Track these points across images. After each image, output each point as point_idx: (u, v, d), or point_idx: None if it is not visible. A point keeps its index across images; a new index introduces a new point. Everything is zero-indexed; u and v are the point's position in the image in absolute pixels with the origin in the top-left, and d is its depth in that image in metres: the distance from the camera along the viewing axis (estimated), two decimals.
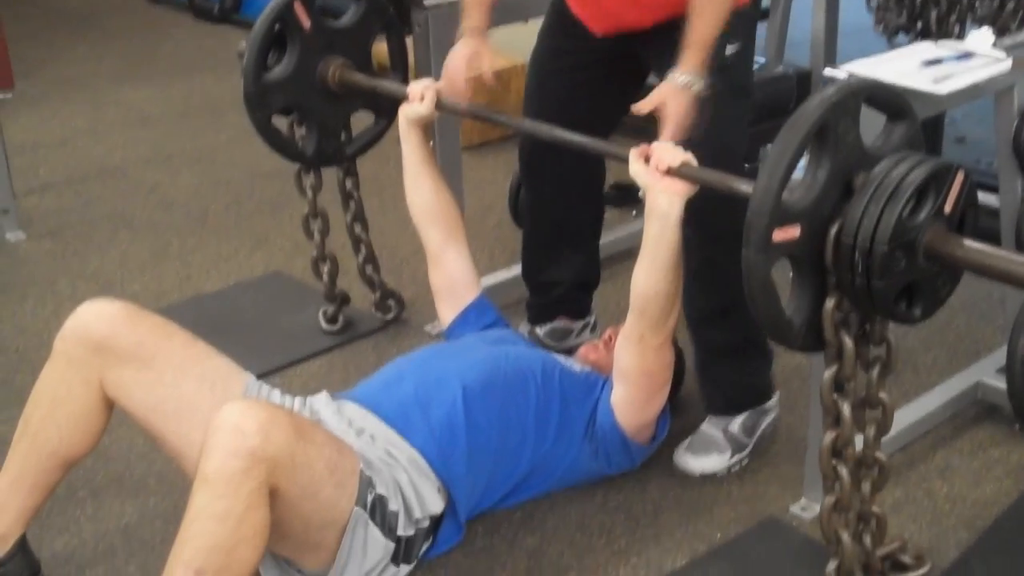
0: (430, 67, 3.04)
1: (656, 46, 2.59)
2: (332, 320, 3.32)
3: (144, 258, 3.83)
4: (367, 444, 2.32)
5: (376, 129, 3.16)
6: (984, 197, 3.79)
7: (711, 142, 2.42)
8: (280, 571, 2.26)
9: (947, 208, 1.91)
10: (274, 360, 3.15)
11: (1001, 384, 2.76)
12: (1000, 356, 2.77)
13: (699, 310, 2.70)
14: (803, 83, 3.83)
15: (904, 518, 2.51)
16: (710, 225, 2.64)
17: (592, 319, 3.21)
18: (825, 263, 1.93)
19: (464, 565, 2.42)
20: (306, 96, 2.99)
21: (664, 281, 2.32)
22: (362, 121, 3.15)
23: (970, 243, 1.91)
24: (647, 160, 2.26)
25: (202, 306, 3.48)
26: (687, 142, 2.32)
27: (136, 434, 2.80)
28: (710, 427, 2.73)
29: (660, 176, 2.24)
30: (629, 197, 3.91)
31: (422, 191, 2.79)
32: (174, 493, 2.64)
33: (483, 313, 2.80)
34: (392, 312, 3.37)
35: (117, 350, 2.27)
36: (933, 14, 3.38)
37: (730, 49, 2.49)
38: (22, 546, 2.31)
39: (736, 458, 2.70)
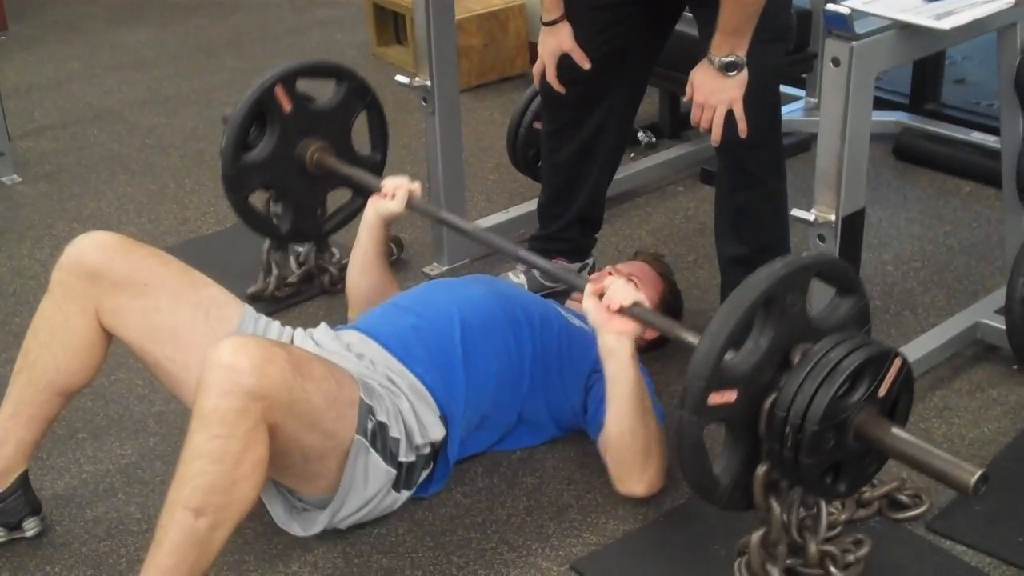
0: (427, 8, 3.02)
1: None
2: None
3: (141, 200, 3.82)
4: (367, 369, 2.33)
5: (352, 207, 3.15)
6: (984, 138, 3.83)
7: (748, 89, 2.45)
8: (283, 500, 2.27)
9: (881, 392, 1.93)
10: (272, 301, 3.15)
11: (1000, 324, 2.76)
12: (999, 297, 2.77)
13: (729, 254, 2.72)
14: (803, 23, 3.79)
15: None
16: (742, 172, 2.67)
17: (591, 262, 3.20)
18: (759, 430, 1.95)
19: (464, 504, 2.43)
20: (284, 176, 3.00)
21: (631, 420, 2.30)
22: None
23: (898, 432, 1.93)
24: (601, 297, 2.29)
25: (200, 248, 3.47)
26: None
27: (135, 375, 2.82)
28: None
29: (610, 316, 2.28)
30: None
31: (367, 279, 2.79)
32: (174, 434, 2.65)
33: None
34: (392, 256, 3.36)
35: (112, 277, 2.28)
36: None
37: None
38: (23, 483, 2.31)
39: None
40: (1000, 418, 2.65)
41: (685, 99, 2.61)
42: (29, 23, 5.58)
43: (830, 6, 2.24)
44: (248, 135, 2.93)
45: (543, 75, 2.87)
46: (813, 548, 2.08)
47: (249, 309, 2.42)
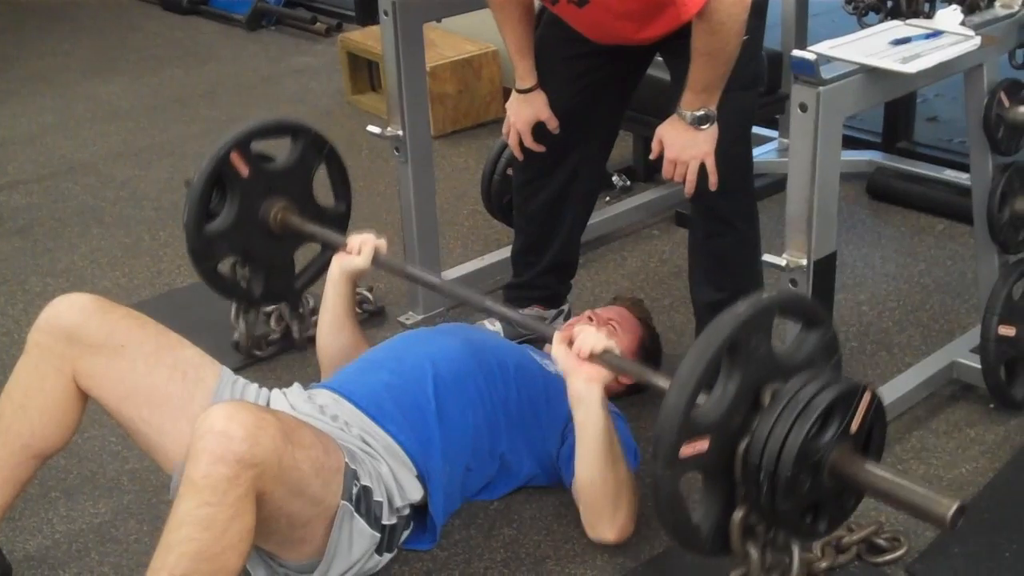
0: (397, 57, 3.02)
1: (666, 48, 2.62)
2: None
3: (115, 254, 3.80)
4: (342, 431, 2.32)
5: (323, 259, 3.07)
6: (956, 176, 3.86)
7: (719, 136, 2.46)
8: (265, 566, 2.25)
9: (853, 428, 1.92)
10: (249, 355, 3.13)
11: (976, 364, 2.76)
12: (974, 335, 2.78)
13: (704, 300, 2.71)
14: (775, 64, 3.81)
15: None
16: (714, 219, 2.68)
17: (567, 308, 3.20)
18: (734, 475, 1.94)
19: (441, 558, 2.41)
20: (251, 240, 2.96)
21: (600, 466, 2.29)
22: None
23: (871, 467, 1.92)
24: (571, 344, 2.27)
25: (174, 301, 3.45)
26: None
27: (109, 433, 2.79)
28: None
29: (580, 362, 2.26)
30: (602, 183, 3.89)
31: (338, 341, 2.74)
32: (148, 492, 2.62)
33: None
34: (369, 306, 3.35)
35: (88, 339, 2.26)
36: None
37: None
38: None
39: None
40: (978, 458, 2.65)
41: (652, 156, 2.61)
42: (3, 77, 5.58)
43: (796, 52, 2.25)
44: (210, 205, 2.88)
45: (515, 133, 2.87)
46: None
47: (226, 370, 2.41)
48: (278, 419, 2.04)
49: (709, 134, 2.49)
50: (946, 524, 1.82)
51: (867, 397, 1.94)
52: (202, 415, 1.97)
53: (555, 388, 2.53)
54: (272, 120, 3.11)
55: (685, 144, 2.51)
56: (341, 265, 2.71)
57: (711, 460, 1.91)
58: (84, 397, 2.31)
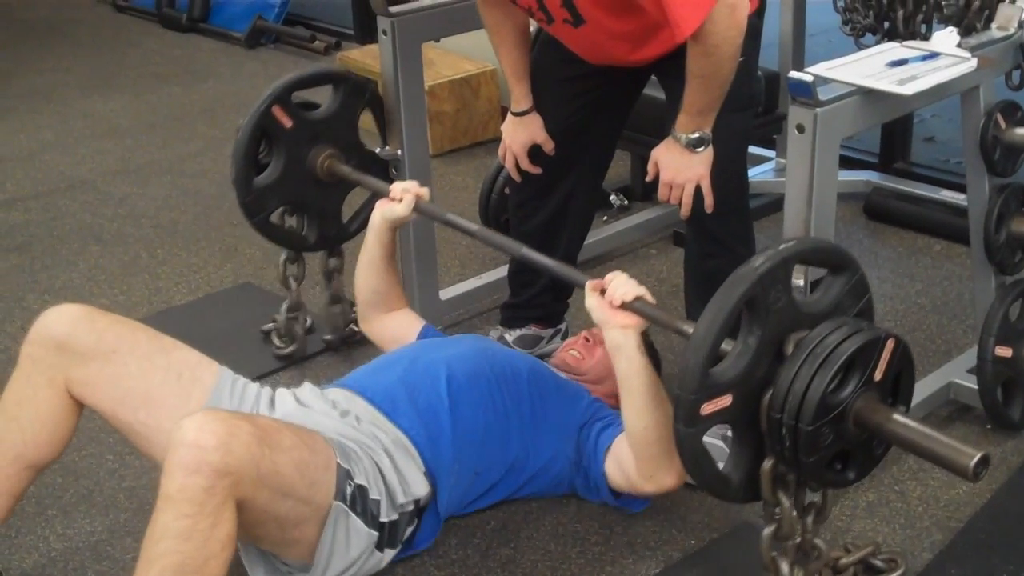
0: (396, 76, 3.03)
1: (661, 69, 2.62)
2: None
3: (113, 271, 3.81)
4: (351, 427, 2.33)
5: (373, 204, 3.11)
6: (954, 196, 3.86)
7: (715, 158, 2.46)
8: (265, 562, 2.25)
9: (877, 376, 1.93)
10: (245, 372, 3.09)
11: (972, 384, 2.77)
12: (971, 356, 2.78)
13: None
14: (772, 85, 3.83)
15: (877, 521, 2.51)
16: (710, 240, 2.68)
17: (564, 327, 3.20)
18: (761, 427, 1.95)
19: None
20: (300, 190, 3.02)
21: (651, 410, 2.28)
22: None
23: (897, 417, 1.92)
24: (603, 293, 2.27)
25: (172, 319, 3.45)
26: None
27: (107, 451, 2.79)
28: (709, 437, 2.70)
29: (614, 312, 2.25)
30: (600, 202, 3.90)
31: (371, 284, 2.79)
32: (145, 509, 2.59)
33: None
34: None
35: (78, 347, 2.28)
36: (900, 14, 3.38)
37: None
38: None
39: None
40: None
41: (648, 179, 2.61)
42: (2, 93, 5.58)
43: (793, 74, 2.26)
44: (257, 158, 2.94)
45: (511, 156, 2.88)
46: (822, 544, 2.12)
47: (225, 370, 2.41)
48: (253, 424, 2.04)
49: (705, 156, 2.50)
50: (968, 474, 1.83)
51: (890, 344, 1.93)
52: (174, 428, 1.97)
53: (568, 394, 2.55)
54: (310, 71, 3.14)
55: (680, 167, 2.52)
56: (383, 212, 2.75)
57: (736, 413, 1.92)
58: (78, 407, 2.32)
